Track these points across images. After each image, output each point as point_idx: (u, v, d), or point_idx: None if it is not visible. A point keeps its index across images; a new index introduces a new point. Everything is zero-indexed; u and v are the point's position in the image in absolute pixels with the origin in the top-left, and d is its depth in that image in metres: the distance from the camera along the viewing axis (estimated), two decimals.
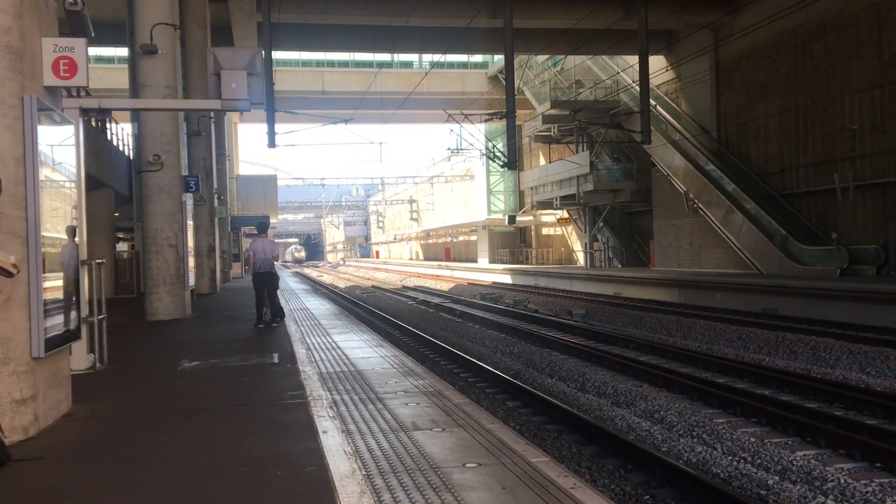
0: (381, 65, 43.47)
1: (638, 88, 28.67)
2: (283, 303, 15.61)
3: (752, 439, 7.74)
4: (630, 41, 28.59)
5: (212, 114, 24.84)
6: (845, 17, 23.15)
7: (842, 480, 6.42)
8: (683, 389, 10.25)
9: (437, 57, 38.71)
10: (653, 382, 10.87)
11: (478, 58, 45.32)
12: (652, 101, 29.37)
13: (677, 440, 7.88)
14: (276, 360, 9.43)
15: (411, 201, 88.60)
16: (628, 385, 10.64)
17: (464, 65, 46.14)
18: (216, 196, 26.95)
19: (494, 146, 35.45)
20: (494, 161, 30.98)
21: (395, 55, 43.83)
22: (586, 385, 10.86)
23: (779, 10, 22.84)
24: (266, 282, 13.92)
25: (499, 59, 39.48)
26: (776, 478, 6.60)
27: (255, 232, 15.34)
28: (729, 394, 9.54)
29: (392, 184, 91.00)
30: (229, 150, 39.30)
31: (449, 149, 60.82)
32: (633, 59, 30.27)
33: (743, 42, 26.63)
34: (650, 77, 27.07)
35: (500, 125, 38.91)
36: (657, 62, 31.04)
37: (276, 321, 13.91)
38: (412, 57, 46.35)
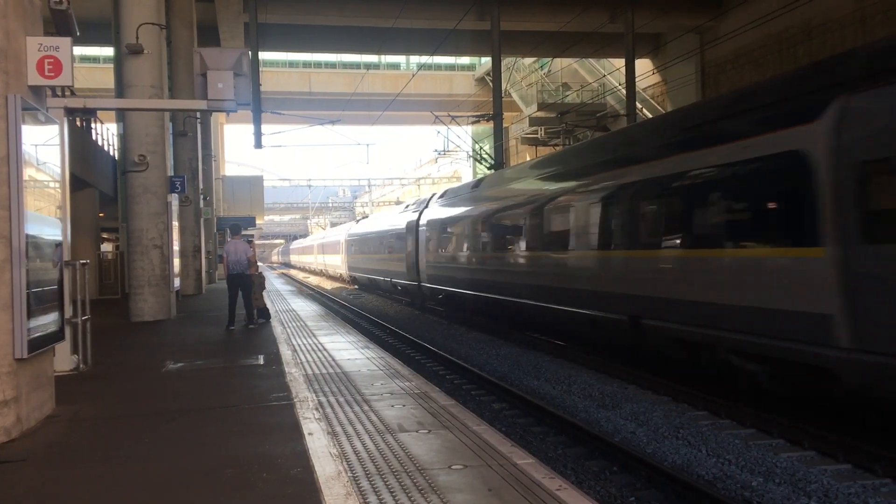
0: (368, 66, 43.46)
1: (624, 91, 28.78)
2: (268, 304, 15.57)
3: (737, 441, 7.78)
4: (617, 44, 28.72)
5: (198, 114, 24.74)
6: (830, 22, 23.34)
7: (825, 482, 6.46)
8: (669, 391, 10.28)
9: (425, 59, 38.73)
10: (639, 384, 10.90)
11: (465, 60, 45.39)
12: (638, 104, 29.49)
13: (662, 442, 7.91)
14: (261, 362, 9.41)
15: (398, 203, 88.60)
16: (614, 387, 10.67)
17: (451, 67, 46.18)
18: (202, 197, 26.83)
19: (482, 148, 35.50)
20: (481, 163, 31.01)
21: (383, 56, 43.82)
22: (572, 387, 10.88)
23: (764, 14, 23.00)
24: (239, 283, 13.90)
25: (486, 61, 39.58)
26: (760, 479, 6.64)
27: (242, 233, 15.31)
28: (714, 396, 9.58)
29: (379, 185, 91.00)
30: (215, 150, 39.16)
31: (436, 150, 60.91)
32: (620, 63, 30.40)
33: (729, 46, 26.80)
34: (636, 80, 27.18)
35: (487, 127, 38.93)
36: (643, 65, 31.19)
37: (254, 323, 13.86)
38: (399, 58, 46.36)
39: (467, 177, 57.65)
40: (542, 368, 12.41)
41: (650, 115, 32.65)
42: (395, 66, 47.07)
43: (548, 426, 8.77)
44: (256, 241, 64.85)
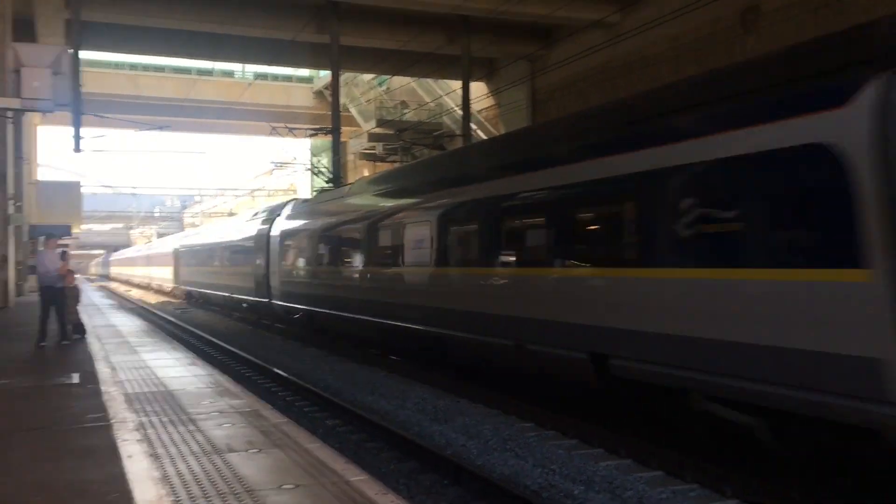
0: (200, 72, 41.97)
1: (460, 112, 29.53)
2: (84, 319, 14.64)
3: (561, 451, 8.13)
4: (454, 66, 29.44)
5: (9, 113, 22.89)
6: (647, 58, 25.11)
7: (640, 488, 6.89)
8: (499, 404, 10.58)
9: (262, 68, 37.90)
10: (471, 398, 11.15)
11: (304, 72, 44.82)
12: (473, 126, 30.33)
13: (492, 454, 8.13)
14: (76, 381, 8.82)
15: (231, 214, 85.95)
16: (447, 401, 10.85)
17: (288, 78, 45.46)
18: (12, 202, 24.85)
19: (319, 161, 35.23)
20: (319, 177, 30.76)
21: (216, 63, 42.45)
22: (406, 402, 10.96)
23: (588, 48, 24.41)
24: (51, 297, 12.99)
25: (325, 74, 39.28)
26: (582, 487, 6.97)
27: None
28: (540, 408, 9.96)
29: (211, 195, 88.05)
30: (28, 153, 36.35)
31: (273, 162, 59.73)
32: (457, 84, 31.18)
33: (557, 75, 28.15)
34: (472, 102, 27.96)
35: (325, 141, 38.70)
36: (479, 88, 32.14)
37: (67, 339, 12.99)
38: (235, 66, 45.09)
39: (304, 190, 56.84)
40: (378, 384, 12.43)
41: (484, 137, 33.71)
42: (230, 74, 45.71)
43: (382, 441, 8.78)
44: (74, 252, 60.76)
